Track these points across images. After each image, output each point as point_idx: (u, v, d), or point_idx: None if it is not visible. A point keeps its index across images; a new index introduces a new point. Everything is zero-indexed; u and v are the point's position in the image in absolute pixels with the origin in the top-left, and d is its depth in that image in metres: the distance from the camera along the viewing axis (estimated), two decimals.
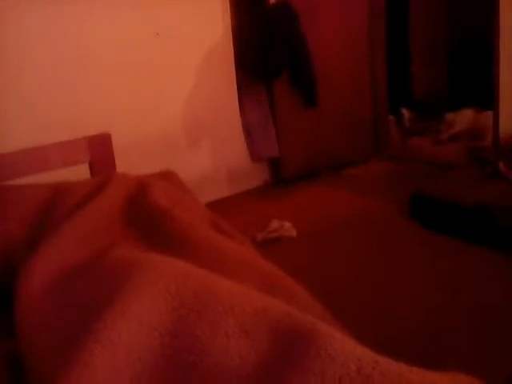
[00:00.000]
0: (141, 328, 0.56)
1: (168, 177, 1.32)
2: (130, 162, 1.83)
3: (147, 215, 0.95)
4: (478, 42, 3.37)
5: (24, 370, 0.63)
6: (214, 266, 0.74)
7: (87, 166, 1.62)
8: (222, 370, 0.51)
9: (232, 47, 2.90)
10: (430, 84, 4.15)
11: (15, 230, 0.95)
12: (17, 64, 2.20)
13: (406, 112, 3.96)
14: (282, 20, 2.83)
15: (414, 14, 3.95)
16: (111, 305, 0.58)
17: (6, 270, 0.88)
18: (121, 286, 0.62)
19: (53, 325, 0.64)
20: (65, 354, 0.54)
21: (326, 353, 0.47)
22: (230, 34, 2.88)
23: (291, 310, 0.56)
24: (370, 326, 1.52)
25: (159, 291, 0.60)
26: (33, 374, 0.60)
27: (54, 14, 2.29)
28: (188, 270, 0.66)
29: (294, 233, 2.37)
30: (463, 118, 3.66)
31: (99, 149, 1.63)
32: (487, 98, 2.87)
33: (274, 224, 2.41)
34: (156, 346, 0.54)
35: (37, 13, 2.23)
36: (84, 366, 0.52)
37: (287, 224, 2.40)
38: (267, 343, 0.52)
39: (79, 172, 1.59)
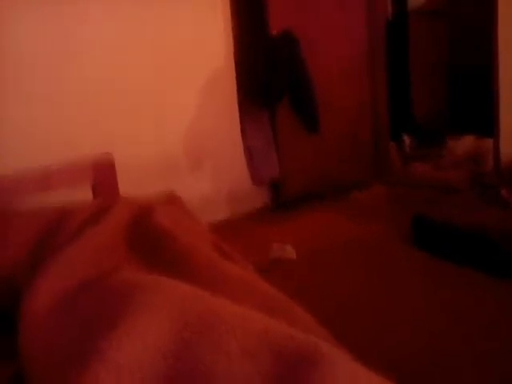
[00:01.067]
0: (145, 349, 0.56)
1: (170, 199, 1.32)
2: (132, 183, 1.84)
3: (150, 237, 0.95)
4: (479, 66, 3.40)
5: None
6: (216, 288, 0.74)
7: (89, 186, 1.62)
8: None
9: (234, 72, 2.94)
10: (430, 109, 4.18)
11: (18, 255, 0.95)
12: (16, 83, 2.22)
13: (406, 138, 3.98)
14: (284, 49, 2.87)
15: (414, 31, 4.00)
16: (116, 325, 0.58)
17: (10, 293, 0.88)
18: (125, 307, 0.62)
19: (56, 345, 0.63)
20: (69, 374, 0.54)
21: (330, 378, 0.46)
22: (232, 58, 2.92)
23: (293, 331, 0.56)
24: (371, 349, 1.51)
25: (163, 313, 0.60)
26: None
27: (53, 32, 2.31)
28: (191, 292, 0.66)
29: (294, 256, 2.36)
30: (464, 145, 3.68)
31: (102, 169, 1.64)
32: (488, 123, 2.88)
33: (275, 247, 2.41)
34: (160, 368, 0.54)
35: (34, 30, 2.26)
36: None
37: (288, 247, 2.40)
38: (271, 365, 0.51)
39: (81, 193, 1.59)
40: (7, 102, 2.20)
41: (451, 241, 2.21)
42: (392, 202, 3.16)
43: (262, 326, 0.57)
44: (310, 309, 0.80)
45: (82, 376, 0.52)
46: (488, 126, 2.89)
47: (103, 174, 1.61)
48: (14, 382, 0.65)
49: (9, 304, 0.83)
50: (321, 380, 0.46)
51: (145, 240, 0.96)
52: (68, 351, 0.60)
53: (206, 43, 2.80)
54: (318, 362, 0.49)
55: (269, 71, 2.85)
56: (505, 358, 1.47)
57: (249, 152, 3.07)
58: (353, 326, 1.70)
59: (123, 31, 2.51)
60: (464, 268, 2.05)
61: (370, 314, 1.80)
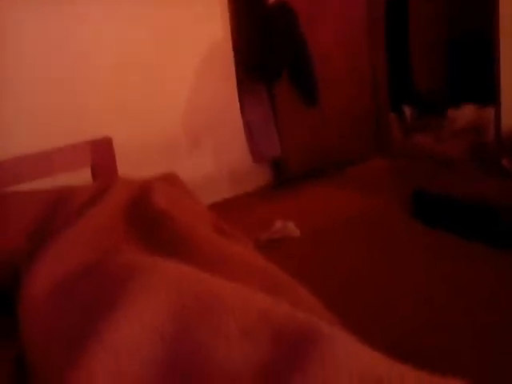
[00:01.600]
0: (143, 331, 0.56)
1: (170, 179, 1.32)
2: (132, 165, 1.83)
3: (149, 218, 0.95)
4: (479, 36, 3.36)
5: (29, 372, 0.63)
6: (215, 268, 0.74)
7: (89, 169, 1.62)
8: (224, 372, 0.51)
9: (231, 47, 2.90)
10: (430, 80, 4.14)
11: (17, 238, 0.96)
12: (15, 69, 2.21)
13: (407, 109, 3.95)
14: (281, 20, 2.83)
15: (414, 8, 3.94)
16: (114, 308, 0.59)
17: (10, 276, 0.89)
18: (123, 289, 0.62)
19: (56, 327, 0.64)
20: (67, 356, 0.55)
21: (330, 358, 0.46)
22: (229, 34, 2.88)
23: (294, 311, 0.56)
24: (373, 324, 1.52)
25: (161, 294, 0.60)
26: (37, 377, 0.61)
27: (53, 17, 2.29)
28: (190, 273, 0.66)
29: (297, 233, 2.37)
30: (465, 115, 3.65)
31: (101, 152, 1.64)
32: (488, 94, 2.86)
33: (278, 224, 2.41)
34: (158, 349, 0.54)
35: (35, 17, 2.24)
36: (86, 369, 0.52)
37: (290, 224, 2.40)
38: (270, 345, 0.51)
39: (81, 176, 1.59)
40: (8, 90, 2.19)
41: (451, 213, 2.21)
42: (393, 174, 3.16)
43: (261, 305, 0.57)
44: (311, 286, 0.80)
45: (80, 358, 0.53)
46: (489, 95, 2.87)
47: (102, 158, 1.61)
48: (16, 364, 0.65)
49: (9, 287, 0.84)
50: (320, 358, 0.46)
51: (143, 220, 0.96)
52: (67, 334, 0.60)
53: (202, 17, 2.77)
54: (317, 341, 0.49)
55: (266, 43, 2.82)
56: (505, 330, 1.48)
57: (248, 128, 3.06)
58: (354, 302, 1.71)
59: (122, 9, 2.49)
60: (465, 240, 2.05)
61: (371, 290, 1.82)
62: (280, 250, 2.23)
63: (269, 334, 0.52)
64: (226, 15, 2.86)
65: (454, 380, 0.48)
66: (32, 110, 2.25)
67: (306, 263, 2.06)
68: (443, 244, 2.09)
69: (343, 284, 1.86)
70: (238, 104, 2.98)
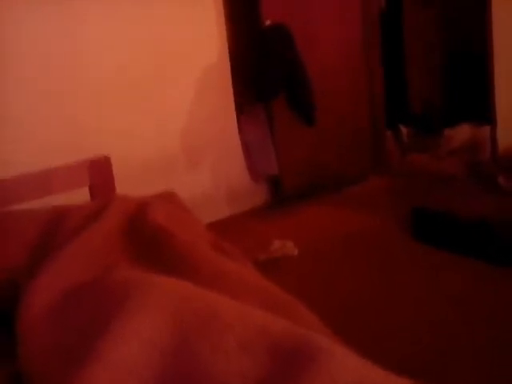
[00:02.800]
0: (141, 347, 0.56)
1: (168, 197, 1.32)
2: (130, 184, 1.83)
3: (147, 235, 0.95)
4: (474, 53, 3.40)
5: None
6: (214, 285, 0.74)
7: (87, 188, 1.62)
8: None
9: (229, 67, 2.93)
10: (426, 99, 4.17)
11: (17, 255, 0.96)
12: (14, 86, 2.22)
13: (403, 128, 3.98)
14: (277, 41, 2.87)
15: (408, 27, 3.99)
16: (112, 325, 0.58)
17: (9, 293, 0.88)
18: (121, 306, 0.62)
19: (54, 345, 0.64)
20: (66, 374, 0.54)
21: (327, 372, 0.46)
22: (227, 55, 2.92)
23: (292, 327, 0.56)
24: (373, 342, 1.51)
25: (159, 311, 0.60)
26: None
27: (53, 32, 2.31)
28: (188, 289, 0.66)
29: (295, 252, 2.36)
30: (461, 133, 3.68)
31: (99, 171, 1.64)
32: (484, 112, 2.88)
33: (276, 244, 2.41)
34: (157, 365, 0.54)
35: (35, 30, 2.26)
36: None
37: (289, 243, 2.40)
38: (268, 360, 0.51)
39: (79, 195, 1.59)
40: (8, 102, 2.20)
41: (450, 231, 2.21)
42: (390, 193, 3.16)
43: (259, 320, 0.57)
44: (310, 305, 0.80)
45: (79, 376, 0.52)
46: (485, 113, 2.89)
47: (100, 177, 1.61)
48: (13, 381, 0.65)
49: (9, 305, 0.84)
50: (317, 372, 0.46)
51: (141, 237, 0.96)
52: (65, 352, 0.60)
53: (199, 38, 2.80)
54: (314, 355, 0.49)
55: (262, 64, 2.85)
56: (505, 348, 1.47)
57: (246, 147, 3.07)
58: (353, 321, 1.70)
59: (121, 32, 2.52)
60: (463, 258, 2.05)
61: (370, 309, 1.81)
62: (278, 268, 2.22)
63: (267, 349, 0.52)
64: (224, 37, 2.89)
65: None
66: (30, 129, 2.26)
67: (305, 282, 2.05)
68: (442, 262, 2.09)
69: (342, 303, 1.86)
70: (235, 123, 3.00)
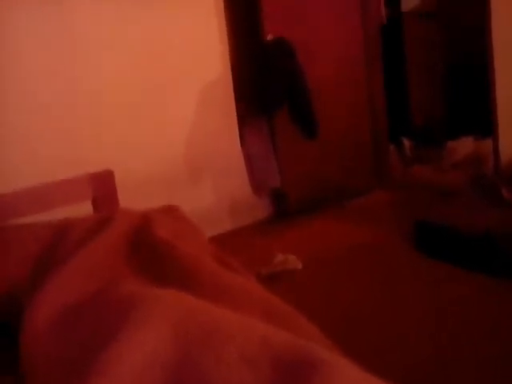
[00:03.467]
0: (145, 360, 0.56)
1: (171, 211, 1.32)
2: (132, 198, 1.83)
3: (150, 248, 0.95)
4: (476, 67, 3.41)
5: None
6: (217, 298, 0.73)
7: (90, 202, 1.62)
8: None
9: (231, 81, 2.95)
10: (428, 112, 4.18)
11: (19, 270, 0.95)
12: (15, 100, 2.23)
13: (406, 141, 3.98)
14: (279, 55, 2.89)
15: (409, 41, 4.01)
16: (115, 338, 0.58)
17: (11, 308, 0.88)
18: (125, 319, 0.62)
19: (57, 358, 0.64)
20: None
21: (328, 382, 0.46)
22: (229, 69, 2.93)
23: (294, 338, 0.55)
24: (376, 354, 1.50)
25: (163, 324, 0.60)
26: None
27: (53, 42, 2.33)
28: (191, 302, 0.66)
29: (299, 265, 2.35)
30: (463, 146, 3.68)
31: (102, 186, 1.64)
32: (486, 125, 2.89)
33: (279, 258, 2.40)
34: (160, 378, 0.54)
35: (34, 42, 2.28)
36: None
37: (292, 257, 2.39)
38: (270, 372, 0.51)
39: (82, 209, 1.59)
40: (7, 117, 2.21)
41: (453, 244, 2.20)
42: (393, 206, 3.16)
43: (262, 333, 0.57)
44: (313, 318, 0.79)
45: None
46: (487, 126, 2.89)
47: (103, 190, 1.61)
48: None
49: (10, 319, 0.84)
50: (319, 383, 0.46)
51: (145, 251, 0.96)
52: (68, 365, 0.60)
53: (202, 52, 2.82)
54: (316, 366, 0.48)
55: (264, 78, 2.86)
56: (508, 361, 1.46)
57: (248, 160, 3.08)
58: (357, 332, 1.69)
59: (123, 46, 2.54)
60: (466, 271, 2.04)
61: (373, 322, 1.80)
62: (281, 282, 2.21)
63: (269, 361, 0.52)
64: (226, 51, 2.91)
65: None
66: (32, 144, 2.27)
67: (308, 295, 2.04)
68: (445, 275, 2.08)
69: (344, 315, 1.85)
70: (238, 136, 3.01)
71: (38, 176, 1.78)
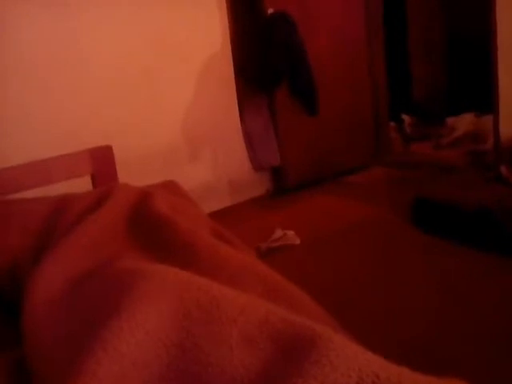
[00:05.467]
0: (147, 338, 0.56)
1: (170, 187, 1.32)
2: (132, 174, 1.83)
3: (149, 224, 0.95)
4: (478, 43, 3.38)
5: (31, 379, 0.63)
6: (216, 274, 0.74)
7: (89, 178, 1.62)
8: (226, 379, 0.51)
9: (231, 57, 2.92)
10: (429, 88, 4.16)
11: (19, 244, 0.96)
12: (15, 78, 2.22)
13: (406, 118, 3.97)
14: (281, 29, 2.85)
15: (412, 16, 3.97)
16: (117, 315, 0.59)
17: (12, 282, 0.89)
18: (125, 296, 0.62)
19: (59, 334, 0.64)
20: (71, 362, 0.55)
21: (327, 359, 0.47)
22: (229, 44, 2.90)
23: (294, 317, 0.56)
24: (374, 331, 1.52)
25: (163, 302, 0.61)
26: (39, 383, 0.61)
27: (53, 25, 2.30)
28: (191, 279, 0.66)
29: (297, 241, 2.37)
30: (464, 123, 3.67)
31: (101, 161, 1.64)
32: (487, 102, 2.87)
33: (278, 233, 2.42)
34: (162, 357, 0.55)
35: (35, 24, 2.25)
36: (91, 374, 0.52)
37: (290, 232, 2.40)
38: (270, 351, 0.52)
39: (81, 184, 1.59)
40: (8, 92, 2.20)
41: (452, 221, 2.21)
42: (392, 182, 3.16)
43: (263, 313, 0.57)
44: (311, 292, 0.80)
45: (84, 364, 0.53)
46: (488, 103, 2.88)
47: (102, 166, 1.61)
48: (17, 370, 0.65)
49: (11, 294, 0.84)
50: (318, 360, 0.47)
51: (144, 225, 0.96)
52: (71, 341, 0.61)
53: (201, 28, 2.79)
54: (315, 343, 0.49)
55: (265, 53, 2.84)
56: (506, 336, 1.48)
57: (248, 137, 3.07)
58: (355, 310, 1.71)
59: (122, 21, 2.50)
60: (465, 247, 2.05)
61: (371, 297, 1.82)
62: (280, 257, 2.23)
63: (269, 340, 0.53)
64: (226, 26, 2.88)
65: (451, 380, 0.48)
66: (32, 120, 2.26)
67: (306, 271, 2.06)
68: (442, 250, 2.10)
69: (343, 291, 1.86)
70: (237, 113, 3.00)
71: (37, 152, 1.78)
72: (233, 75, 2.95)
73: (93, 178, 1.62)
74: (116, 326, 0.56)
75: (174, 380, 0.53)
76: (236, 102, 2.99)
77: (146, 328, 0.56)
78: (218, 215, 2.59)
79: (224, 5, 2.85)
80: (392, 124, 3.78)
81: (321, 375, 0.45)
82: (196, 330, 0.56)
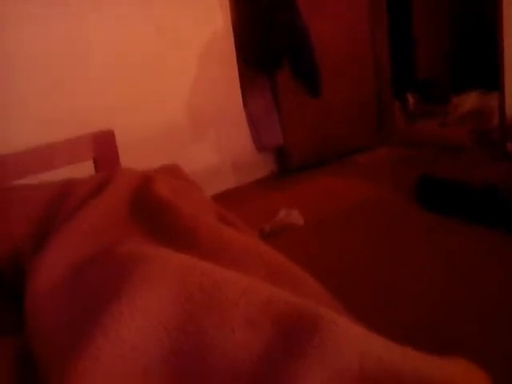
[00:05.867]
0: (147, 322, 0.56)
1: (172, 170, 1.32)
2: (134, 158, 1.83)
3: (151, 208, 0.95)
4: (483, 20, 3.33)
5: (34, 364, 0.63)
6: (218, 257, 0.74)
7: (91, 162, 1.62)
8: (228, 361, 0.51)
9: (233, 38, 2.89)
10: (434, 66, 4.11)
11: (21, 230, 0.96)
12: (17, 62, 2.20)
13: (410, 97, 3.93)
14: (283, 10, 2.81)
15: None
16: (117, 299, 0.59)
17: (14, 268, 0.89)
18: (126, 280, 0.62)
19: (61, 319, 0.64)
20: (73, 347, 0.55)
21: (330, 342, 0.47)
22: (231, 25, 2.87)
23: (296, 299, 0.56)
24: (378, 312, 1.52)
25: (165, 286, 0.60)
26: (42, 368, 0.61)
27: (54, 11, 2.28)
28: (193, 263, 0.66)
29: (301, 221, 2.36)
30: (469, 101, 3.63)
31: (103, 145, 1.63)
32: (493, 79, 2.84)
33: (282, 213, 2.41)
34: (163, 341, 0.55)
35: (36, 10, 2.23)
36: (92, 359, 0.52)
37: (294, 212, 2.40)
38: (272, 333, 0.52)
39: (83, 169, 1.59)
40: (9, 76, 2.19)
41: (457, 198, 2.20)
42: (397, 162, 3.14)
43: (265, 295, 0.57)
44: (315, 274, 0.80)
45: (85, 349, 0.53)
46: (493, 80, 2.85)
47: (104, 150, 1.61)
48: (20, 356, 0.66)
49: (13, 280, 0.85)
50: (320, 343, 0.47)
51: (146, 209, 0.96)
52: (72, 326, 0.61)
53: (202, 8, 2.76)
54: (317, 326, 0.49)
55: (267, 34, 2.80)
56: (509, 313, 1.47)
57: (251, 118, 3.05)
58: (359, 290, 1.71)
59: (125, 4, 2.47)
60: (470, 225, 2.04)
61: (376, 278, 1.81)
62: (284, 238, 2.23)
63: (271, 322, 0.53)
64: (227, 6, 2.84)
65: (455, 359, 0.48)
66: (33, 104, 2.25)
67: (310, 252, 2.06)
68: (448, 230, 2.09)
69: (347, 272, 1.86)
70: (240, 94, 2.98)
71: (39, 137, 1.78)
72: (235, 56, 2.92)
73: (95, 162, 1.62)
74: (116, 311, 0.56)
75: (176, 363, 0.54)
76: (238, 83, 2.96)
77: (147, 312, 0.56)
78: (221, 197, 2.59)
79: None
80: (396, 103, 3.75)
81: (323, 358, 0.45)
82: (198, 313, 0.56)
